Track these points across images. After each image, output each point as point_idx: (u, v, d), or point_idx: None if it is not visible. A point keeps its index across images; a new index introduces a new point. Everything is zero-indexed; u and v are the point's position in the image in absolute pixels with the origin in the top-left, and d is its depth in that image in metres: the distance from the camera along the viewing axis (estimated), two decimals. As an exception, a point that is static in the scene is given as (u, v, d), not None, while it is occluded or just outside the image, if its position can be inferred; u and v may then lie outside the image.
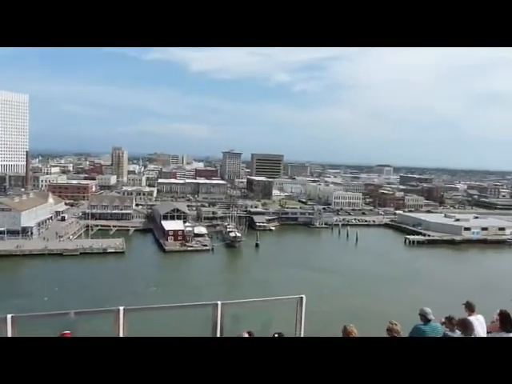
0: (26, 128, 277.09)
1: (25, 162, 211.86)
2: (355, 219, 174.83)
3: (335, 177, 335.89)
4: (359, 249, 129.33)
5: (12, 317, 5.62)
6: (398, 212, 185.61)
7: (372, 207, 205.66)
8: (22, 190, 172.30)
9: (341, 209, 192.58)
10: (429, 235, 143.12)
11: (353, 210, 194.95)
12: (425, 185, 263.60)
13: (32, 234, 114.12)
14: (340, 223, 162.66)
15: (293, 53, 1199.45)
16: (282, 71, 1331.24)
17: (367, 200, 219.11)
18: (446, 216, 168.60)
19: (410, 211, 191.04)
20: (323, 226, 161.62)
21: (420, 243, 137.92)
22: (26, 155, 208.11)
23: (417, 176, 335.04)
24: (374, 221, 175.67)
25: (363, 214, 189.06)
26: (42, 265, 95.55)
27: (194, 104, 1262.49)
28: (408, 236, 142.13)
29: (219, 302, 6.35)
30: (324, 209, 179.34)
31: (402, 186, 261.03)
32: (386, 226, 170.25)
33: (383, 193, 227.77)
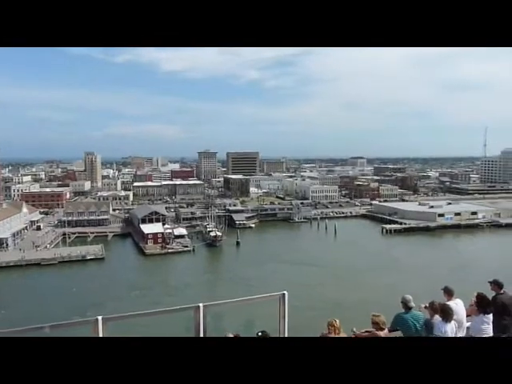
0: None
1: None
2: (333, 212, 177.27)
3: (311, 171, 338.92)
4: (338, 241, 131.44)
5: None
6: (373, 202, 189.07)
7: (348, 199, 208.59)
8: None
9: (318, 202, 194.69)
10: (405, 223, 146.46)
11: (330, 202, 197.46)
12: (398, 174, 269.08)
13: (7, 245, 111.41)
14: (318, 216, 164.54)
15: (262, 50, 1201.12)
16: (253, 69, 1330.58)
17: (343, 192, 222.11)
18: (420, 204, 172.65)
19: (386, 201, 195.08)
20: (302, 220, 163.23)
21: (397, 231, 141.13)
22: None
23: (390, 166, 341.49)
24: (351, 212, 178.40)
25: (340, 206, 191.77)
26: (19, 276, 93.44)
27: (166, 104, 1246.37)
28: (385, 225, 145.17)
29: (201, 304, 6.28)
30: (302, 203, 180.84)
31: (376, 177, 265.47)
32: (363, 216, 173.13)
33: (358, 184, 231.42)
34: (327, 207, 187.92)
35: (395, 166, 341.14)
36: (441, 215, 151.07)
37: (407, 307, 8.35)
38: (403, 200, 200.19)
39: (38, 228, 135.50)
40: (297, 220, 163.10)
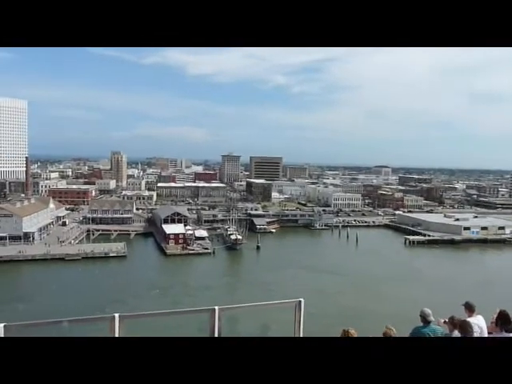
0: (25, 134, 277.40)
1: (24, 168, 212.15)
2: (355, 220, 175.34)
3: (334, 178, 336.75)
4: (360, 249, 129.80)
5: (5, 326, 5.30)
6: (397, 212, 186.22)
7: (371, 208, 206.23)
8: (23, 195, 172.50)
9: (340, 210, 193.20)
10: (429, 235, 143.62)
11: (352, 211, 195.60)
12: (424, 185, 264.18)
13: (34, 239, 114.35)
14: (340, 224, 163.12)
15: (288, 55, 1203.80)
16: (279, 74, 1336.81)
17: (366, 201, 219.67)
18: (445, 216, 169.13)
19: (410, 211, 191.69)
20: (323, 227, 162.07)
21: (420, 243, 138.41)
22: (26, 161, 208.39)
23: (416, 176, 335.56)
24: (373, 221, 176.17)
25: (363, 215, 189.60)
26: (44, 270, 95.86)
27: (192, 107, 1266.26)
28: (408, 236, 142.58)
29: (216, 307, 6.26)
30: (324, 210, 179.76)
31: (401, 187, 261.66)
32: (386, 226, 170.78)
33: (382, 193, 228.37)
34: (349, 215, 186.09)
35: (420, 177, 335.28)
36: (466, 228, 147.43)
37: (426, 321, 8.13)
38: (428, 211, 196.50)
39: (64, 224, 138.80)
40: (318, 227, 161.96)
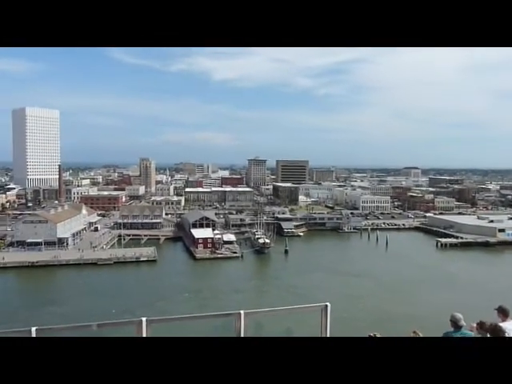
0: (58, 142, 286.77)
1: (57, 176, 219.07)
2: (384, 223, 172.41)
3: (362, 181, 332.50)
4: (390, 253, 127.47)
5: (37, 329, 5.42)
6: (428, 215, 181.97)
7: (401, 210, 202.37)
8: (56, 202, 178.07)
9: (369, 213, 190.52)
10: (461, 237, 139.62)
11: (381, 213, 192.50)
12: (455, 186, 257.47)
13: (67, 244, 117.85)
14: (369, 227, 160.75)
15: (313, 57, 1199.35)
16: (304, 76, 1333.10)
17: (396, 203, 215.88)
18: (478, 217, 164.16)
19: (441, 213, 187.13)
20: (352, 230, 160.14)
21: (452, 246, 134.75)
22: (59, 169, 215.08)
23: (447, 177, 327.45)
24: (403, 224, 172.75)
25: (392, 217, 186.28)
26: (77, 274, 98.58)
27: (217, 113, 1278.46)
28: (440, 239, 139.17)
29: (242, 312, 6.25)
30: (352, 213, 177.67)
31: (431, 189, 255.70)
32: (417, 229, 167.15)
33: (412, 195, 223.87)
34: (378, 218, 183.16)
35: (452, 178, 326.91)
36: (501, 230, 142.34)
37: (456, 326, 7.85)
38: (460, 213, 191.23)
39: (96, 229, 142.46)
40: (346, 230, 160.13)
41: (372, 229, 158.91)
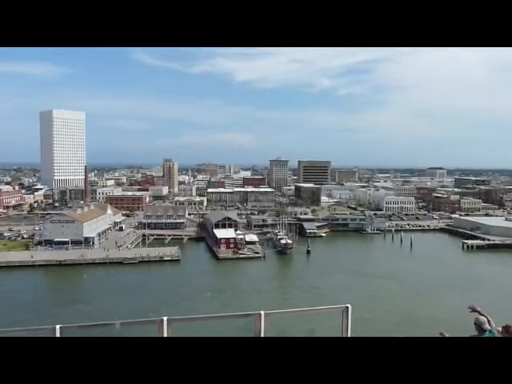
0: (83, 144, 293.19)
1: (83, 176, 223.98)
2: (408, 224, 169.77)
3: (385, 181, 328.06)
4: (414, 254, 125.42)
5: (61, 327, 5.55)
6: (453, 216, 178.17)
7: (426, 211, 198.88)
8: (82, 202, 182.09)
9: (393, 214, 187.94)
10: (488, 239, 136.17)
11: (405, 214, 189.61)
12: (482, 187, 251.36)
13: (93, 243, 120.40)
14: (393, 229, 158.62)
15: (334, 58, 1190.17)
16: (325, 77, 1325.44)
17: (420, 204, 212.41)
18: (507, 219, 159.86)
19: (467, 215, 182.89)
20: (375, 231, 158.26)
21: (479, 248, 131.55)
22: (85, 170, 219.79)
23: (473, 178, 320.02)
24: (428, 225, 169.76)
25: (417, 218, 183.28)
26: (103, 273, 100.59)
27: (238, 114, 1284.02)
28: (466, 241, 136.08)
29: (262, 312, 6.22)
30: (375, 214, 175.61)
31: (457, 189, 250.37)
32: (442, 230, 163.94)
33: (437, 196, 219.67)
34: (402, 219, 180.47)
35: (478, 178, 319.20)
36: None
37: (481, 329, 7.66)
38: (487, 214, 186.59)
39: (121, 229, 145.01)
40: (369, 231, 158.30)
41: (396, 230, 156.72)
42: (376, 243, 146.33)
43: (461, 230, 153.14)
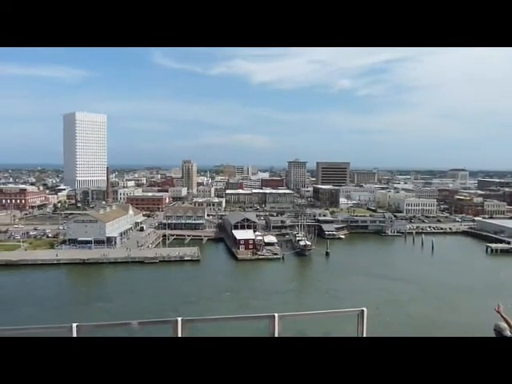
0: (105, 145, 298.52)
1: (104, 177, 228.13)
2: (430, 227, 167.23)
3: (405, 183, 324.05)
4: (436, 258, 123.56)
5: (77, 326, 5.59)
6: (476, 219, 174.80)
7: (448, 214, 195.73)
8: (103, 202, 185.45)
9: (414, 216, 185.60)
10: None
11: (427, 217, 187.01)
12: (506, 189, 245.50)
13: (115, 243, 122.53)
14: (414, 231, 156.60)
15: (353, 58, 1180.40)
16: (344, 77, 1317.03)
17: (442, 206, 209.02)
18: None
19: (491, 218, 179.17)
20: (395, 234, 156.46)
21: (504, 252, 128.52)
22: (107, 171, 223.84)
23: (497, 180, 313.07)
24: (450, 228, 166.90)
25: (438, 221, 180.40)
26: (124, 272, 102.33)
27: (256, 115, 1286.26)
28: (490, 244, 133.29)
29: (276, 314, 6.12)
30: (395, 216, 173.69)
31: (480, 191, 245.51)
32: (464, 233, 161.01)
33: (460, 198, 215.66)
34: (423, 222, 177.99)
35: (502, 180, 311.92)
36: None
37: (501, 336, 7.48)
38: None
39: (141, 229, 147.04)
40: (390, 233, 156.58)
41: (417, 232, 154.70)
42: (396, 246, 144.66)
43: (484, 234, 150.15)
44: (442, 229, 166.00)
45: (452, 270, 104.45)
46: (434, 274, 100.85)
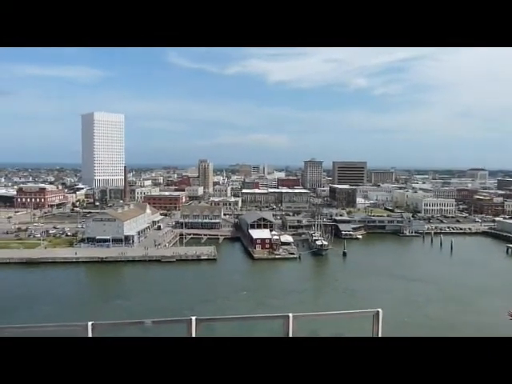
0: (123, 145, 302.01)
1: (122, 176, 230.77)
2: (449, 227, 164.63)
3: (423, 183, 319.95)
4: (455, 258, 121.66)
5: (93, 324, 5.60)
6: (497, 219, 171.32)
7: (467, 214, 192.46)
8: (121, 201, 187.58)
9: (432, 216, 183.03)
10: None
11: (445, 217, 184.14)
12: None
13: (133, 242, 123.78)
14: (432, 231, 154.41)
15: (370, 57, 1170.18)
16: (360, 76, 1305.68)
17: (461, 207, 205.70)
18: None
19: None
20: (413, 234, 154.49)
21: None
22: (125, 170, 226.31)
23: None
24: (469, 229, 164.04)
25: (457, 221, 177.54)
26: (142, 270, 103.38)
27: (273, 114, 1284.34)
28: (510, 245, 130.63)
29: (290, 315, 6.07)
30: (413, 216, 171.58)
31: (500, 191, 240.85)
32: (484, 234, 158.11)
33: (479, 198, 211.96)
34: (442, 222, 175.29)
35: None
36: None
37: None
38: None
39: (159, 228, 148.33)
40: (407, 234, 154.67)
41: (435, 233, 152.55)
42: (414, 246, 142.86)
43: (505, 234, 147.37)
44: (461, 229, 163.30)
45: (471, 270, 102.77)
46: (453, 274, 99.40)
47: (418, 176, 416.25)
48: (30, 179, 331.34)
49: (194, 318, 5.73)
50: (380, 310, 6.40)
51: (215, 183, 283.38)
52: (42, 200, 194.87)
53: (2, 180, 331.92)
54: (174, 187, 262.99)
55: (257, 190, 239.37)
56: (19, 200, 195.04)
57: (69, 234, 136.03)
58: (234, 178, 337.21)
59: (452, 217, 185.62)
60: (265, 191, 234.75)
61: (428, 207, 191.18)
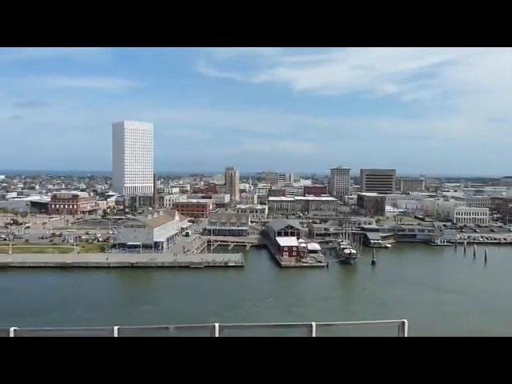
0: (151, 153, 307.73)
1: (151, 184, 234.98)
2: (482, 237, 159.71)
3: (455, 191, 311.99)
4: (489, 269, 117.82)
5: (119, 329, 5.69)
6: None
7: (501, 224, 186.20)
8: (150, 208, 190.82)
9: (464, 225, 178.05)
10: None
11: (478, 226, 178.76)
12: None
13: (162, 248, 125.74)
14: (465, 241, 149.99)
15: (399, 62, 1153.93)
16: (389, 82, 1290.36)
17: (495, 216, 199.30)
18: None
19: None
20: (445, 243, 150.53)
21: None
22: (154, 178, 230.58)
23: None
24: (505, 239, 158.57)
25: (491, 231, 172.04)
26: (171, 276, 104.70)
27: (298, 122, 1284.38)
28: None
29: (314, 323, 6.04)
30: (445, 225, 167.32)
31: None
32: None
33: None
34: (475, 231, 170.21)
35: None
36: None
37: None
38: None
39: (187, 234, 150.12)
40: (439, 243, 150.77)
41: (468, 243, 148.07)
42: (446, 256, 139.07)
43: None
44: (495, 239, 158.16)
45: (507, 281, 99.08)
46: (488, 285, 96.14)
47: (448, 184, 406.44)
48: (63, 186, 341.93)
49: (217, 324, 5.80)
50: (405, 320, 6.29)
51: (241, 191, 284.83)
52: (75, 207, 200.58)
53: (37, 187, 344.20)
54: (200, 194, 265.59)
55: (283, 198, 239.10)
56: (53, 206, 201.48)
57: (100, 239, 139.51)
58: (261, 185, 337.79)
59: (485, 226, 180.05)
60: (291, 199, 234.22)
61: (460, 216, 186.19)
